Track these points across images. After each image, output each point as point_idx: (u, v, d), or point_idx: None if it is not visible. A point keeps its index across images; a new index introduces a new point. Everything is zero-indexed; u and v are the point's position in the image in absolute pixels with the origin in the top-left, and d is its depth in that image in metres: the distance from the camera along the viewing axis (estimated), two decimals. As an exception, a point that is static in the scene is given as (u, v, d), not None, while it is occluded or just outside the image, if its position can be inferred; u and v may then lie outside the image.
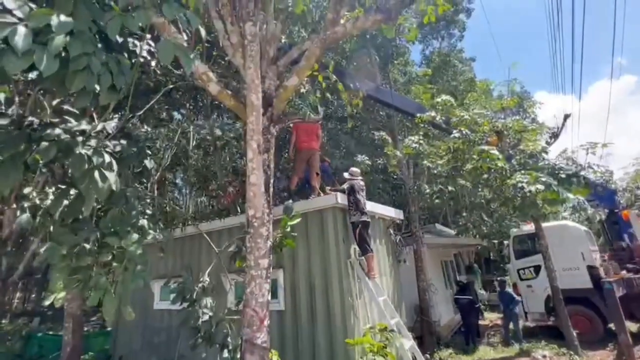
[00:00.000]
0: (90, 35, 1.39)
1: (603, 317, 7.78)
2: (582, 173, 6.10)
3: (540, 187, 4.97)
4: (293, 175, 6.44)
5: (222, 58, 8.04)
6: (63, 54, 1.34)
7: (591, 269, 8.05)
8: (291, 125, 6.12)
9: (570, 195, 5.89)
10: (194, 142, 12.56)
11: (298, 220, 3.69)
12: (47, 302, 2.35)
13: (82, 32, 1.35)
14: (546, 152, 6.56)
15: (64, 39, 1.23)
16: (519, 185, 5.29)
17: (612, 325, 7.65)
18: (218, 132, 13.64)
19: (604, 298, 7.61)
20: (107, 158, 2.35)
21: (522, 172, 5.58)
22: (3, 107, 2.38)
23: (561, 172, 5.48)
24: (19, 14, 1.21)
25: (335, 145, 13.19)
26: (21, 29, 1.20)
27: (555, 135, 7.75)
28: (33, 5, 1.30)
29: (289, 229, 3.59)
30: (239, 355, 3.34)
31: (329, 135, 12.98)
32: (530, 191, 5.25)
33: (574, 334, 6.85)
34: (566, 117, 8.01)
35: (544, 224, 8.31)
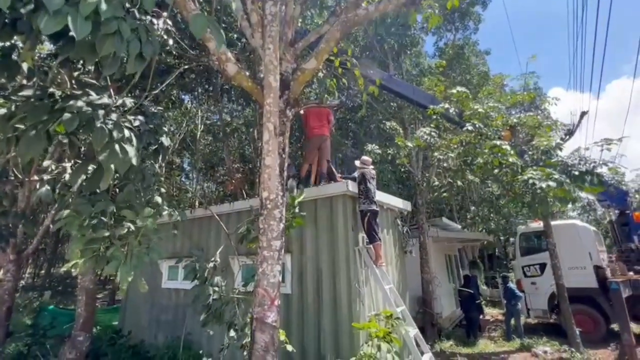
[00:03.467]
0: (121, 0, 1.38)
1: (606, 317, 7.78)
2: (597, 170, 5.97)
3: (552, 184, 4.88)
4: (303, 162, 6.37)
5: (237, 41, 7.94)
6: (93, 20, 1.33)
7: (598, 269, 8.02)
8: (301, 111, 6.03)
9: (581, 194, 5.78)
10: (202, 126, 12.54)
11: (303, 196, 3.71)
12: (63, 269, 2.40)
13: (112, -3, 1.34)
14: (560, 149, 6.43)
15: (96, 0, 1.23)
16: (530, 181, 5.21)
17: (615, 326, 7.64)
18: (227, 117, 13.56)
19: (609, 298, 7.60)
20: (127, 133, 2.37)
21: (534, 168, 5.48)
22: (25, 79, 2.40)
23: (574, 169, 5.37)
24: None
25: (344, 135, 13.11)
26: (53, -12, 1.19)
27: (570, 133, 7.59)
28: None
29: (297, 209, 3.61)
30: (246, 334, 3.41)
31: (338, 124, 12.89)
32: (541, 188, 5.17)
33: (577, 332, 6.86)
34: (583, 114, 7.84)
35: (553, 222, 8.24)
